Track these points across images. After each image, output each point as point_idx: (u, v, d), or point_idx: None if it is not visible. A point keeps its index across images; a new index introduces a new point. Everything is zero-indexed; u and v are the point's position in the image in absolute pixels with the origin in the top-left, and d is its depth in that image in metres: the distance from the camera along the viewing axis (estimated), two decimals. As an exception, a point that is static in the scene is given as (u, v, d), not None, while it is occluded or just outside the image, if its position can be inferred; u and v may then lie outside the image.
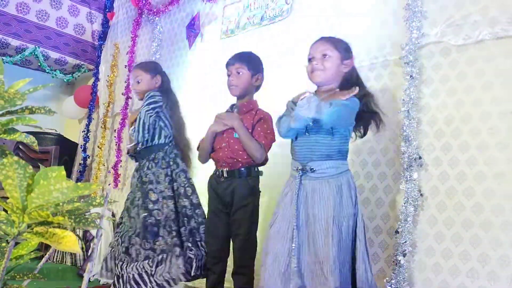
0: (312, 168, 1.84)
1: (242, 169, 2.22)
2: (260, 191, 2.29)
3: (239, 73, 2.28)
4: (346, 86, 1.91)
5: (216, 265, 2.26)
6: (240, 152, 2.21)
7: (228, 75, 2.32)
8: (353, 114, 1.85)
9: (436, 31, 2.15)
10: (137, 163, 2.60)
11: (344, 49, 1.94)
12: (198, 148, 2.44)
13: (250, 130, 2.23)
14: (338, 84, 1.95)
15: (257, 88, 2.38)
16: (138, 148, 2.55)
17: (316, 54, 1.93)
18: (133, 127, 2.55)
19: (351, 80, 1.95)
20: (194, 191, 2.51)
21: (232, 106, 2.36)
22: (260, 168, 2.31)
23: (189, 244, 2.34)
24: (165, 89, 2.70)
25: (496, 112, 1.94)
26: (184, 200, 2.44)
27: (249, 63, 2.30)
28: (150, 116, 2.50)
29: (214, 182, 2.31)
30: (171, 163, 2.52)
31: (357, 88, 1.84)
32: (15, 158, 0.59)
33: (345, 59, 1.94)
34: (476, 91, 2.01)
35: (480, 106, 1.99)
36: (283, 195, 1.92)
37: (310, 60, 1.96)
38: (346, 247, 1.74)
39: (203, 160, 2.40)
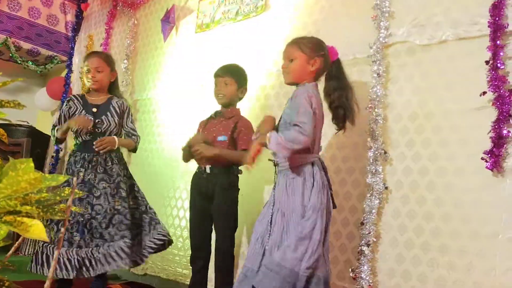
0: (276, 162, 2.02)
1: (222, 167, 2.43)
2: (239, 188, 2.49)
3: (226, 84, 2.50)
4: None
5: (199, 260, 2.47)
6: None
7: (216, 84, 2.53)
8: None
9: (402, 31, 2.23)
10: (85, 152, 2.61)
11: (309, 49, 2.03)
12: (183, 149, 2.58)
13: (230, 132, 2.45)
14: (311, 80, 2.04)
15: (241, 99, 2.59)
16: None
17: (284, 58, 2.08)
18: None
19: (328, 73, 2.06)
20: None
21: (216, 113, 2.57)
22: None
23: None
24: (117, 87, 2.87)
25: (457, 110, 2.04)
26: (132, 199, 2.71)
27: (237, 76, 2.53)
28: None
29: (197, 179, 2.52)
30: (124, 162, 2.75)
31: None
32: (-16, 150, 0.61)
33: (311, 59, 2.02)
34: (439, 90, 2.10)
35: (442, 104, 2.08)
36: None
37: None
38: (293, 233, 1.84)
39: (186, 160, 2.60)
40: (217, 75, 2.54)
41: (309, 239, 1.81)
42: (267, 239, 1.91)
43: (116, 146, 2.61)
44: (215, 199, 2.42)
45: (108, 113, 2.66)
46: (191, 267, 2.52)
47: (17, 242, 0.86)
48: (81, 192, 1.04)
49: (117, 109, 2.69)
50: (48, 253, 2.48)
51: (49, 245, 2.49)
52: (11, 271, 2.60)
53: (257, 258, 1.91)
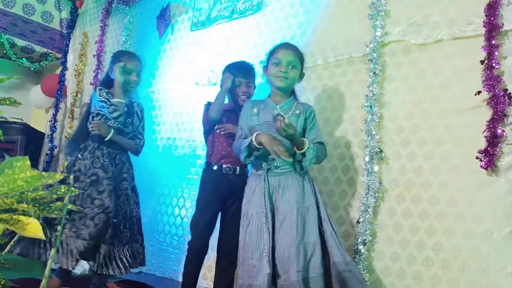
0: (276, 165, 1.96)
1: (246, 168, 2.44)
2: None
3: (251, 86, 2.50)
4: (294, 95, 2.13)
5: (201, 258, 2.39)
6: None
7: (237, 85, 2.45)
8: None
9: (398, 30, 2.23)
10: (111, 148, 2.61)
11: (303, 64, 2.09)
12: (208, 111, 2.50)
13: None
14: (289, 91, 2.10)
15: None
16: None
17: (284, 62, 2.01)
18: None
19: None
20: None
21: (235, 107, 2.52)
22: None
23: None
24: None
25: (452, 109, 2.04)
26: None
27: (254, 77, 2.55)
28: None
29: (220, 178, 2.38)
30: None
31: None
32: (-20, 148, 0.61)
33: (301, 72, 2.09)
34: (434, 89, 2.11)
35: (438, 103, 2.09)
36: (250, 194, 2.00)
37: (276, 64, 2.03)
38: (311, 232, 1.85)
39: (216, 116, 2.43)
40: (239, 76, 2.46)
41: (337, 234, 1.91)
42: (270, 250, 1.84)
43: (108, 137, 2.57)
44: (239, 199, 2.30)
45: (135, 115, 2.73)
46: (189, 265, 2.37)
47: (13, 240, 0.85)
48: (77, 190, 1.00)
49: (139, 113, 2.76)
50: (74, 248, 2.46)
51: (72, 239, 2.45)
52: (6, 269, 2.58)
53: (265, 274, 1.81)
